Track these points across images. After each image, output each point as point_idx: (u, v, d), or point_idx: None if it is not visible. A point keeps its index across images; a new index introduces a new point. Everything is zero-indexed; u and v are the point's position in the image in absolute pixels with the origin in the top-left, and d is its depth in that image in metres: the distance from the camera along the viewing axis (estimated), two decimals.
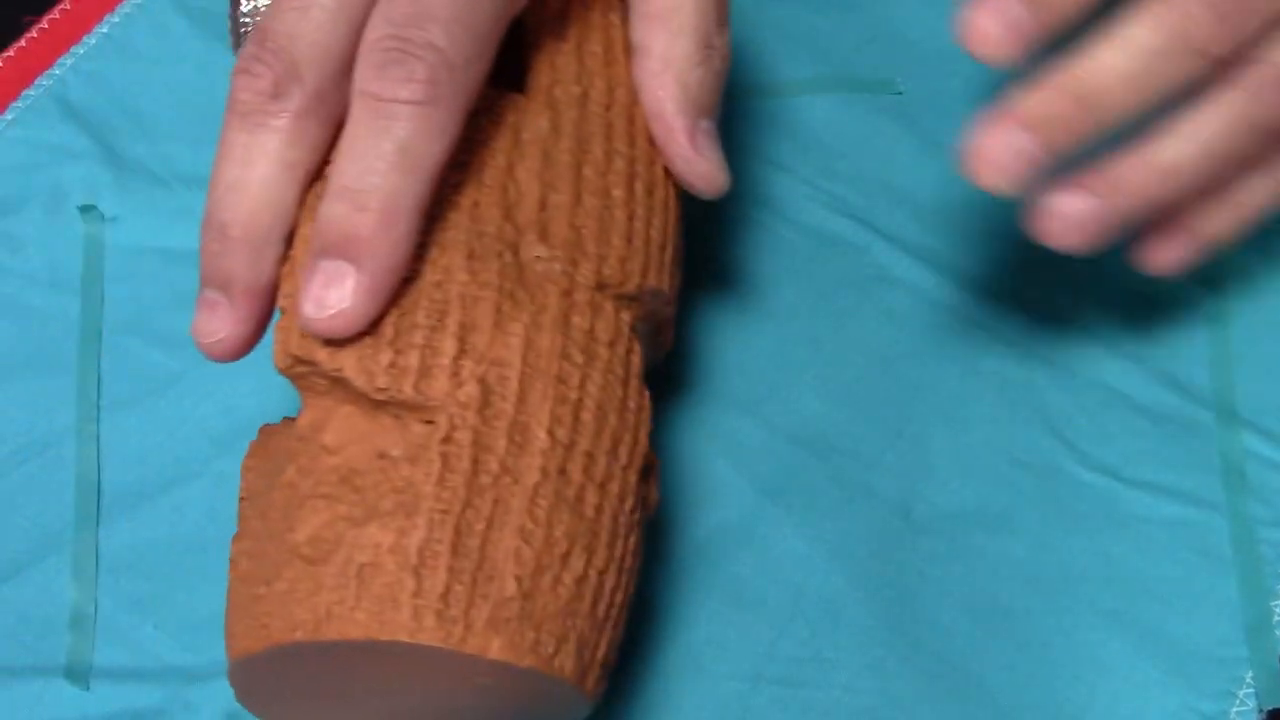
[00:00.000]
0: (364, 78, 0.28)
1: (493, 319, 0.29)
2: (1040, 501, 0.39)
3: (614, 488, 0.30)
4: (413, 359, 0.28)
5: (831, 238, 0.43)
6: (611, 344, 0.31)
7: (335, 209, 0.28)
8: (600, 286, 0.31)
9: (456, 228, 0.30)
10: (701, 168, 0.33)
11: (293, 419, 0.30)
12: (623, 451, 0.30)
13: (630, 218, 0.32)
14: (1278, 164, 0.35)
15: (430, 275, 0.29)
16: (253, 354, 0.41)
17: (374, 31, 0.28)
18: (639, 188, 0.33)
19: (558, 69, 0.33)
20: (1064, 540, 0.38)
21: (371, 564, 0.27)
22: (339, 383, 0.29)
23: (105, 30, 0.48)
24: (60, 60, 0.47)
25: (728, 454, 0.39)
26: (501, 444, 0.28)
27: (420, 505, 0.27)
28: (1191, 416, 0.40)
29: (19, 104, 0.46)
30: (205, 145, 0.45)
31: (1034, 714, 0.36)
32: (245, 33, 0.33)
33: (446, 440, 0.28)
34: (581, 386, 0.30)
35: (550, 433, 0.29)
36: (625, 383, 0.31)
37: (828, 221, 0.44)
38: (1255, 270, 0.43)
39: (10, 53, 0.48)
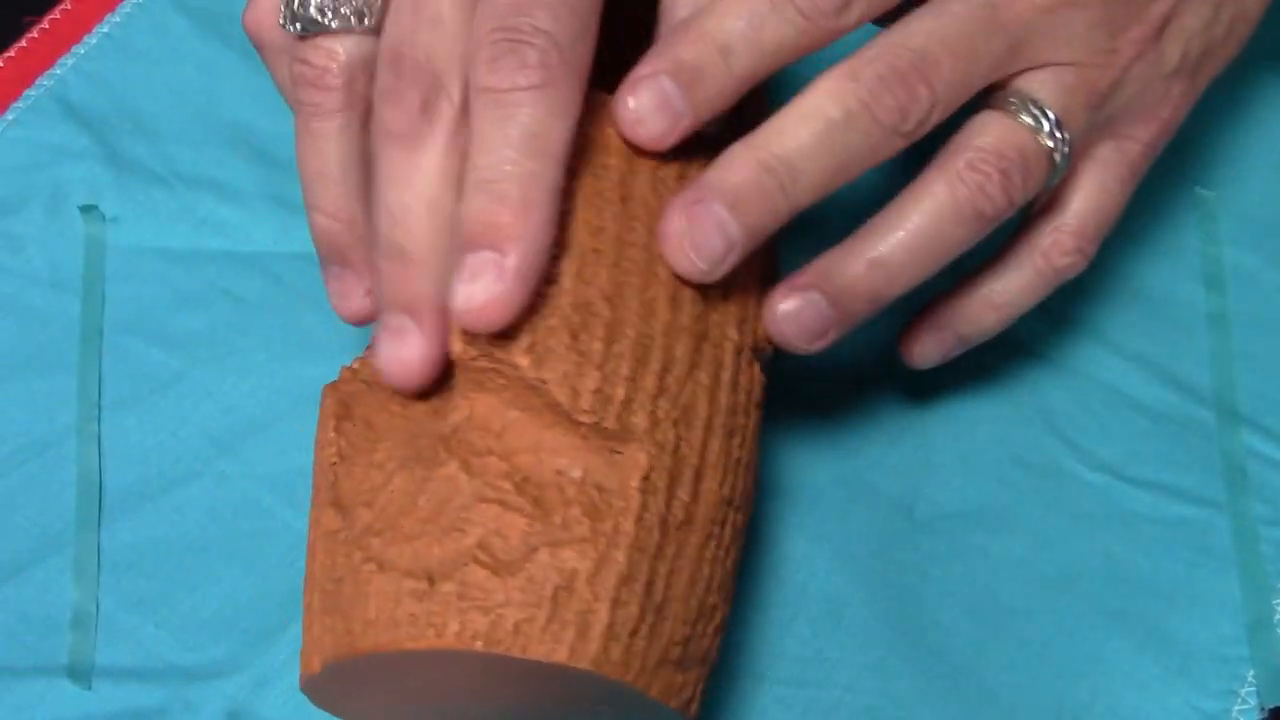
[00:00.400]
0: (480, 74, 0.28)
1: (688, 363, 0.29)
2: (1042, 501, 0.39)
3: (741, 544, 0.31)
4: (619, 389, 0.28)
5: None
6: (759, 405, 0.31)
7: (475, 202, 0.28)
8: (755, 348, 0.32)
9: (663, 265, 0.30)
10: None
11: (377, 387, 0.30)
12: (747, 509, 0.31)
13: (759, 280, 0.33)
14: (1027, 261, 0.35)
15: (637, 306, 0.29)
16: (252, 354, 0.41)
17: (482, 27, 0.28)
18: None
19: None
20: (1066, 539, 0.38)
21: (566, 589, 0.27)
22: (529, 389, 0.28)
23: (106, 30, 0.48)
24: (61, 60, 0.47)
25: None
26: (686, 493, 0.28)
27: (620, 540, 0.27)
28: (1193, 415, 0.40)
29: (20, 104, 0.46)
30: (206, 145, 0.46)
31: (1036, 713, 0.36)
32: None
33: (646, 479, 0.28)
34: (742, 445, 0.30)
35: (719, 487, 0.29)
36: (759, 441, 0.32)
37: None
38: (1255, 270, 0.43)
39: (11, 53, 0.48)
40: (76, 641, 0.36)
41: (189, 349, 0.41)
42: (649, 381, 0.28)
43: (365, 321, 0.33)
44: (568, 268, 0.29)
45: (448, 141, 0.29)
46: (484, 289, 0.27)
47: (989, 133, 0.31)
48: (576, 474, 0.27)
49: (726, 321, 0.31)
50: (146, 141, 0.46)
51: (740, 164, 0.29)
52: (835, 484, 0.39)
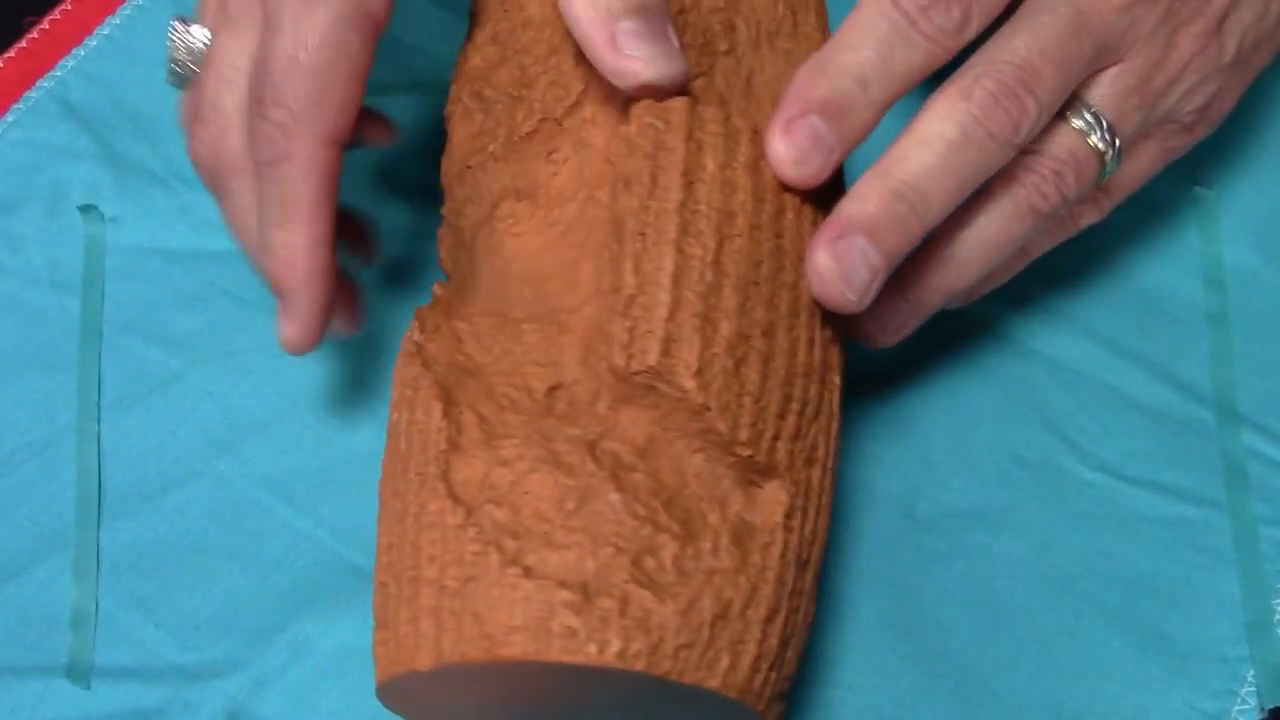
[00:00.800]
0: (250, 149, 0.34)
1: (815, 406, 0.30)
2: (1042, 500, 0.39)
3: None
4: (770, 424, 0.29)
5: None
6: (838, 456, 0.32)
7: (263, 261, 0.34)
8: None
9: (804, 304, 0.30)
10: (628, 68, 0.30)
11: (478, 375, 0.29)
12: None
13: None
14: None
15: (785, 343, 0.29)
16: (252, 354, 0.41)
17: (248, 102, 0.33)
18: None
19: None
20: (1066, 539, 0.38)
21: (722, 617, 0.27)
22: (683, 412, 0.28)
23: (106, 32, 0.48)
24: (62, 62, 0.48)
25: None
26: (809, 532, 0.29)
27: (767, 574, 0.28)
28: (1192, 415, 0.40)
29: (20, 105, 0.46)
30: None
31: (1036, 712, 0.36)
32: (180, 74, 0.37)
33: (788, 516, 0.29)
34: (832, 488, 0.31)
35: (826, 530, 0.31)
36: None
37: None
38: (1255, 270, 0.43)
39: (11, 54, 0.48)
40: (76, 641, 0.36)
41: (189, 349, 0.41)
42: (790, 420, 0.29)
43: (300, 352, 0.36)
44: (732, 299, 0.29)
45: (238, 186, 0.35)
46: (288, 330, 0.35)
47: (1044, 136, 0.33)
48: (723, 502, 0.28)
49: (835, 365, 0.31)
50: (146, 142, 0.46)
51: (873, 194, 0.30)
52: (836, 482, 0.39)
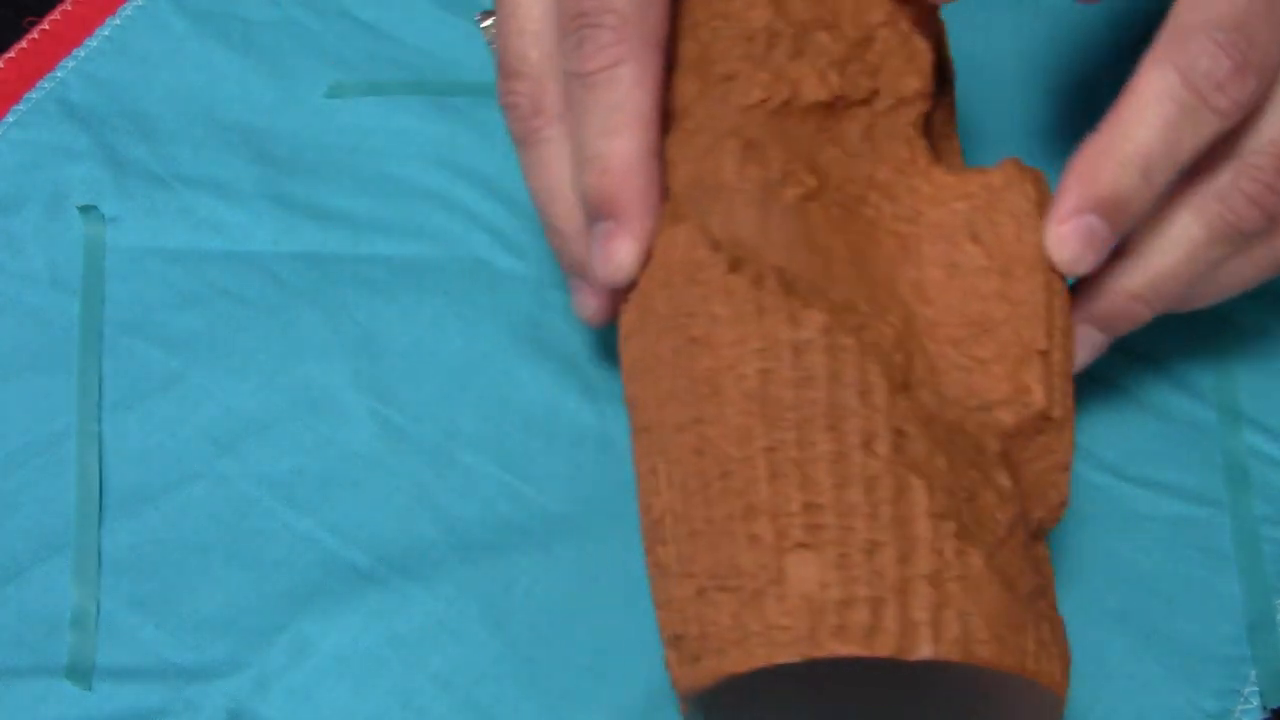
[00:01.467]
0: (567, 62, 0.31)
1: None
2: None
3: None
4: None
5: None
6: None
7: (584, 180, 0.31)
8: None
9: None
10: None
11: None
12: None
13: None
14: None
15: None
16: (253, 354, 0.41)
17: (563, 17, 0.31)
18: None
19: None
20: (1067, 538, 0.38)
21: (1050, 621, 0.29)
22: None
23: (107, 33, 0.48)
24: (62, 62, 0.48)
25: None
26: None
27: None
28: (1195, 414, 0.40)
29: (20, 105, 0.46)
30: (205, 146, 0.46)
31: None
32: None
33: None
34: None
35: None
36: None
37: None
38: None
39: (12, 54, 0.48)
40: (77, 642, 0.36)
41: (189, 349, 0.41)
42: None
43: (603, 324, 0.35)
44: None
45: (557, 133, 0.33)
46: (610, 254, 0.31)
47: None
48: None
49: None
50: (146, 142, 0.46)
51: (1112, 295, 0.32)
52: None
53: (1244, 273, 0.33)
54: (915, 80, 0.32)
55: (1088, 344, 0.33)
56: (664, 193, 0.31)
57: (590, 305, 0.34)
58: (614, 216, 0.31)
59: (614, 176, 0.31)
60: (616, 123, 0.31)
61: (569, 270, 0.34)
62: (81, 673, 0.36)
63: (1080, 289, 0.33)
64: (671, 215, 0.31)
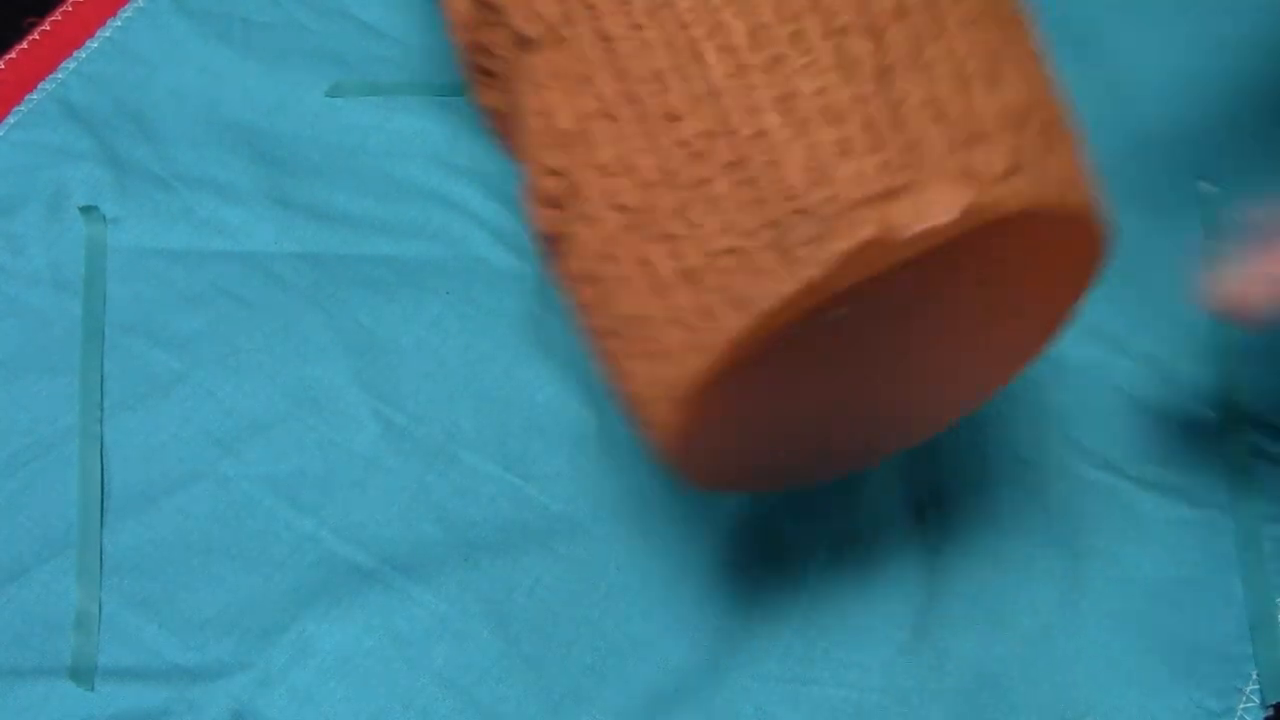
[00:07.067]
0: None
1: None
2: (1047, 499, 0.39)
3: None
4: None
5: None
6: None
7: None
8: None
9: None
10: None
11: None
12: None
13: None
14: None
15: None
16: (253, 354, 0.41)
17: None
18: None
19: None
20: (1070, 538, 0.38)
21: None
22: None
23: (108, 34, 0.48)
24: (63, 63, 0.47)
25: None
26: None
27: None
28: (1197, 415, 0.40)
29: (22, 106, 0.46)
30: (206, 146, 0.46)
31: (1041, 711, 0.36)
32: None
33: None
34: None
35: None
36: None
37: None
38: None
39: (12, 55, 0.48)
40: (80, 642, 0.36)
41: (190, 349, 0.41)
42: None
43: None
44: None
45: None
46: None
47: None
48: None
49: None
50: (147, 143, 0.46)
51: None
52: (841, 482, 0.39)
53: None
54: None
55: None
56: None
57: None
58: None
59: None
60: None
61: None
62: (84, 673, 0.36)
63: None
64: None
